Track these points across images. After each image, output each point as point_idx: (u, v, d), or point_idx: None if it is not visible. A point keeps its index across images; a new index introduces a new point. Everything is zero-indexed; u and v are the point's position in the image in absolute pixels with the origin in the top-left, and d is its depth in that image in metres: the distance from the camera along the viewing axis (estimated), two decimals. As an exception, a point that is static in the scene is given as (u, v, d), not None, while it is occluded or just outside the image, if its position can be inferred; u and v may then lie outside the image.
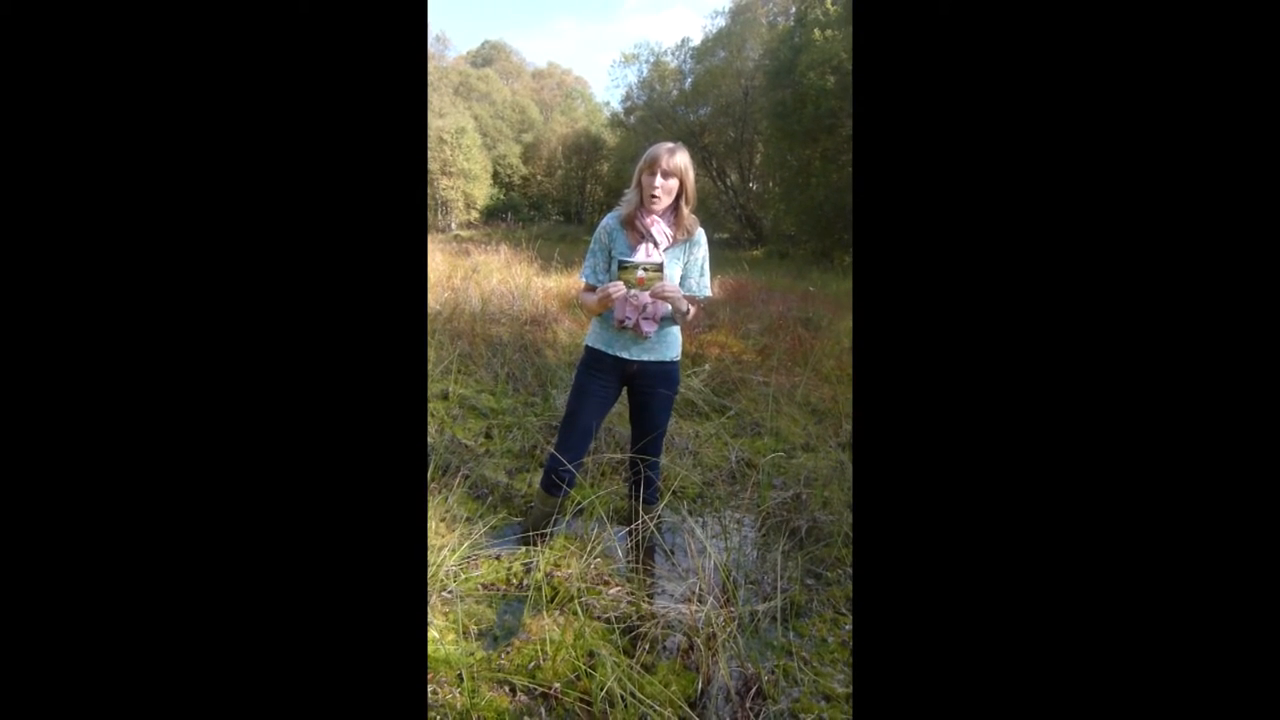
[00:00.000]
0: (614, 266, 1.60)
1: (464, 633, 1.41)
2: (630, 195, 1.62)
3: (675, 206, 1.59)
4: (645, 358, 1.67)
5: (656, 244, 1.59)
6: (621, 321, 1.62)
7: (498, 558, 1.70)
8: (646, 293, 1.53)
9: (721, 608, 1.44)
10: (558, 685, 1.27)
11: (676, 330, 1.72)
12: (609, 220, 1.67)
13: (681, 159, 1.54)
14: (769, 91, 14.79)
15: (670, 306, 1.61)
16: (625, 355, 1.67)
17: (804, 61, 12.63)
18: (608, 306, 1.59)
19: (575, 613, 1.45)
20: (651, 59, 21.34)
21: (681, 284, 1.68)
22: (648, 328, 1.63)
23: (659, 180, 1.54)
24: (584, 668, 1.31)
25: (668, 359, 1.70)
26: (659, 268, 1.50)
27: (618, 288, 1.50)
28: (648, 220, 1.58)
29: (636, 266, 1.49)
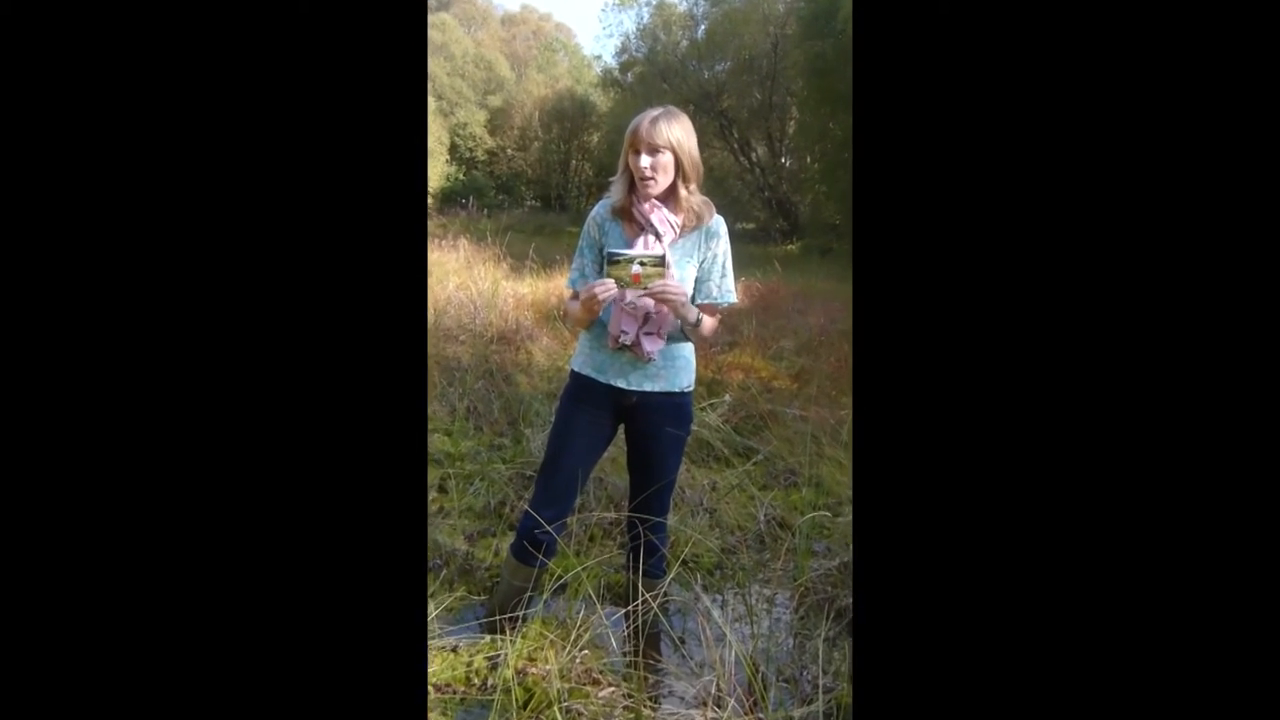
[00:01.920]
0: (605, 266, 1.60)
1: (410, 748, 1.41)
2: (618, 181, 1.64)
3: (673, 187, 1.61)
4: (648, 387, 1.68)
5: (659, 236, 1.60)
6: (617, 339, 1.62)
7: (454, 650, 1.70)
8: (646, 296, 1.52)
9: (747, 714, 1.43)
10: (533, 818, 1.26)
11: (688, 351, 1.73)
12: (599, 210, 1.69)
13: (670, 128, 1.55)
14: (804, 42, 15.05)
15: (675, 312, 1.60)
16: (622, 384, 1.68)
17: (848, 5, 12.87)
18: (595, 313, 1.58)
19: (556, 722, 1.45)
20: (654, 1, 21.77)
21: (697, 289, 1.69)
22: (651, 347, 1.63)
23: (647, 159, 1.55)
24: (567, 795, 1.30)
25: (677, 389, 1.71)
26: (659, 260, 1.50)
27: (606, 287, 1.49)
28: (645, 207, 1.60)
29: (631, 259, 1.50)
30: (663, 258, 1.51)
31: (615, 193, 1.65)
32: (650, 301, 1.59)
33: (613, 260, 1.51)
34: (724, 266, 1.69)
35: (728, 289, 1.70)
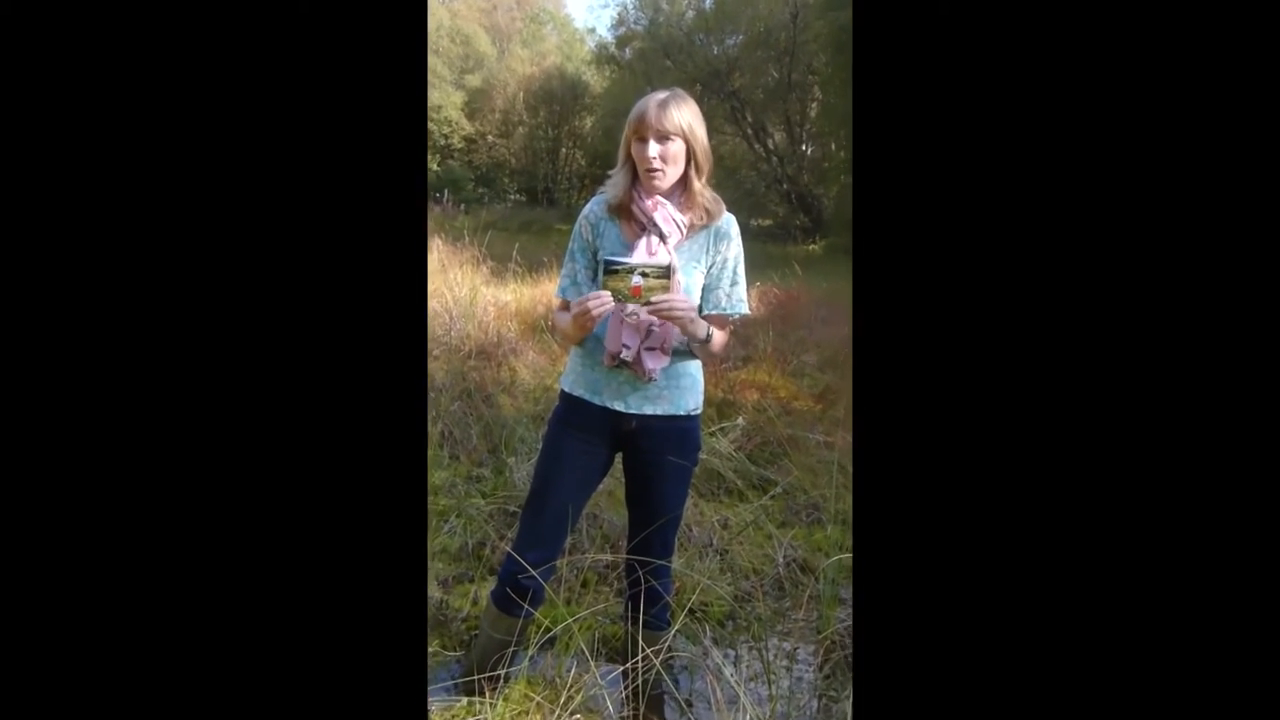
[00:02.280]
0: (600, 275, 1.60)
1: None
2: (617, 174, 1.65)
3: (684, 180, 1.62)
4: (649, 410, 1.68)
5: (664, 237, 1.60)
6: (615, 355, 1.62)
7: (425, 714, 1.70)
8: (645, 308, 1.51)
9: (764, 789, 1.44)
10: None
11: (695, 368, 1.73)
12: (594, 208, 1.70)
13: (680, 113, 1.56)
14: (827, 13, 15.17)
15: (683, 331, 1.60)
16: (620, 406, 1.68)
17: (878, -30, 12.97)
18: (588, 329, 1.58)
19: (543, 797, 1.44)
20: (655, -34, 21.92)
21: (705, 298, 1.69)
22: (653, 364, 1.63)
23: (655, 147, 1.56)
24: None
25: (682, 412, 1.71)
26: (664, 271, 1.49)
27: (601, 301, 1.49)
28: (649, 204, 1.61)
29: (631, 269, 1.49)
30: (668, 268, 1.50)
31: (613, 187, 1.65)
32: (650, 313, 1.59)
33: (610, 270, 1.50)
34: (735, 272, 1.70)
35: (739, 298, 1.71)
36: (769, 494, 3.00)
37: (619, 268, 1.50)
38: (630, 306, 1.53)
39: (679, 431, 1.71)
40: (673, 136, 1.56)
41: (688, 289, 1.63)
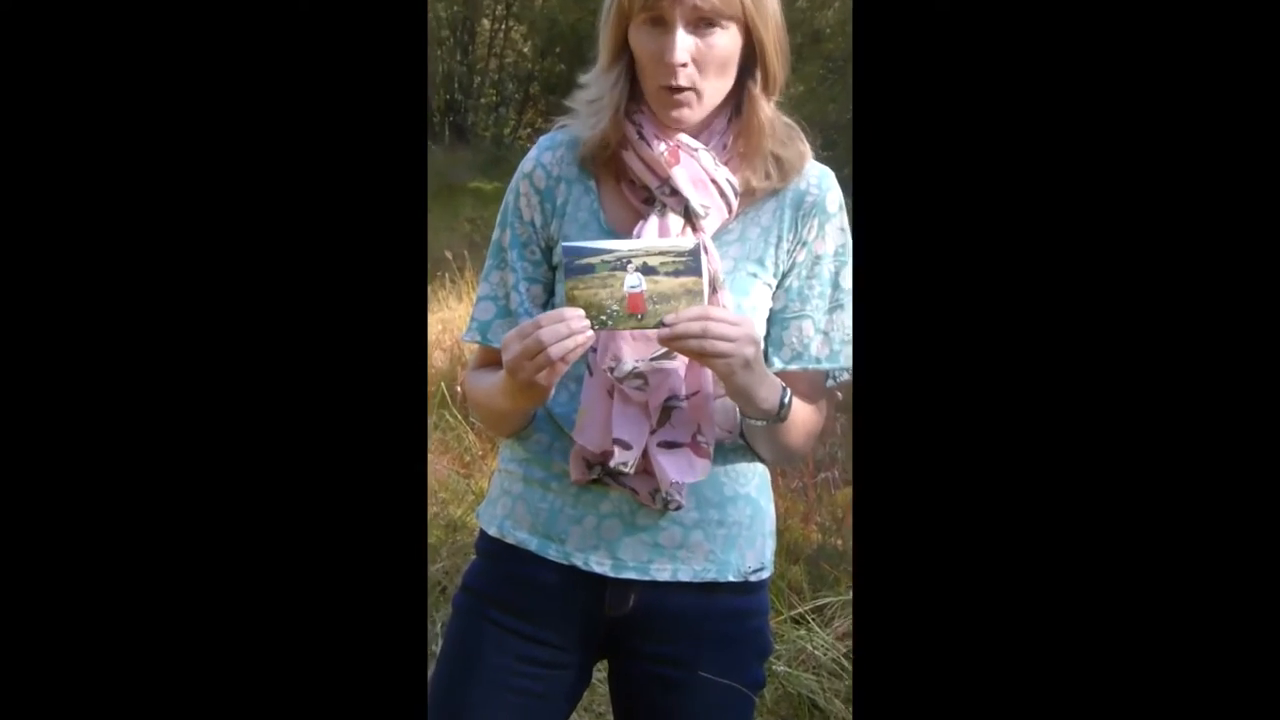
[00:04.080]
0: (559, 284, 1.37)
1: None
2: (600, 86, 1.36)
3: (735, 101, 1.36)
4: (664, 572, 1.37)
5: (694, 217, 1.32)
6: (595, 462, 1.34)
7: None
8: (655, 332, 1.26)
9: None
10: None
11: (760, 484, 1.45)
12: (547, 156, 1.43)
13: None
14: None
15: (731, 390, 1.33)
16: (602, 566, 1.36)
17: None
18: (539, 400, 1.34)
19: None
20: None
21: (774, 335, 1.41)
22: (678, 474, 1.31)
23: (682, 43, 1.25)
24: None
25: (732, 576, 1.38)
26: (688, 259, 1.25)
27: (568, 328, 1.22)
28: (664, 148, 1.34)
29: (621, 260, 1.26)
30: (695, 252, 1.24)
31: (591, 114, 1.37)
32: (678, 364, 1.29)
33: (576, 265, 1.25)
34: (835, 282, 1.39)
35: (844, 335, 1.39)
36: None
37: (597, 258, 1.25)
38: (629, 354, 1.30)
39: (724, 615, 1.39)
40: (722, 19, 1.26)
41: (738, 307, 1.35)
